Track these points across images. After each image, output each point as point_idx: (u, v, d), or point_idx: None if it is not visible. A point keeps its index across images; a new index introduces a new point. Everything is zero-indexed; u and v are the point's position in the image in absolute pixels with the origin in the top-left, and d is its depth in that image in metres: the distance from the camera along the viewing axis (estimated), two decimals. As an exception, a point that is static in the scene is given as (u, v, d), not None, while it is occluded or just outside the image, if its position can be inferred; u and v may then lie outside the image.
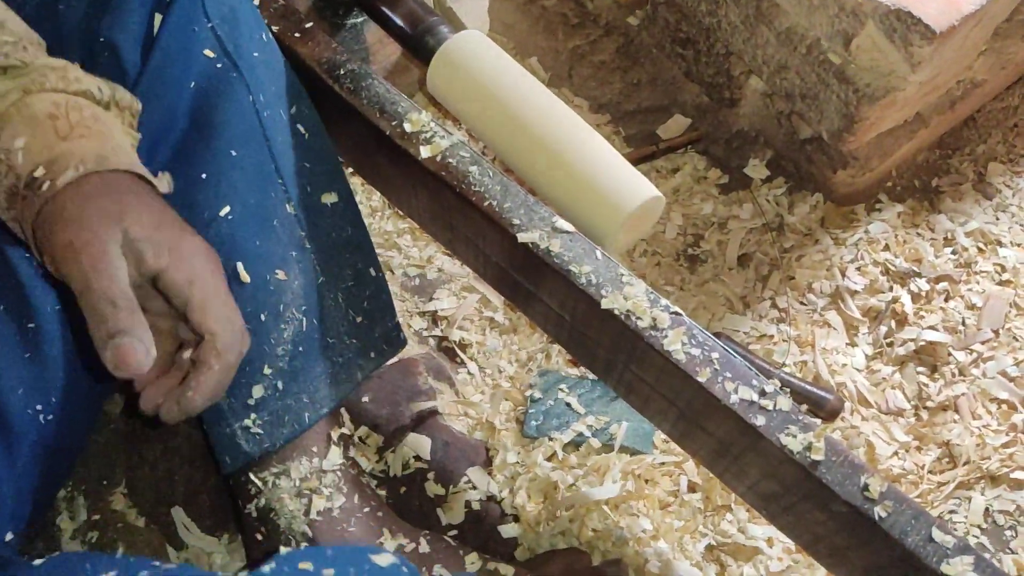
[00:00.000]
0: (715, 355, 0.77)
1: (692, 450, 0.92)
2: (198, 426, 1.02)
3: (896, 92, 1.04)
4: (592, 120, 1.42)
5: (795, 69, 1.13)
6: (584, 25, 1.47)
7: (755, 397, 0.77)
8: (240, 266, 0.84)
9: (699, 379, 0.77)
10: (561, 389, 1.17)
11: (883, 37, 0.98)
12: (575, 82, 1.45)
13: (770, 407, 0.75)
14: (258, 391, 0.87)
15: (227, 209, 0.84)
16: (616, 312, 0.80)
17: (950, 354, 1.19)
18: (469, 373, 1.20)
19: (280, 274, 0.86)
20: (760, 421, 0.75)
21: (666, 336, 0.79)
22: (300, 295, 0.89)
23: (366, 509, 0.92)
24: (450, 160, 0.86)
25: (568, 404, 1.15)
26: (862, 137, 1.13)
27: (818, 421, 1.16)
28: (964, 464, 1.13)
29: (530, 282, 0.90)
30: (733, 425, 0.77)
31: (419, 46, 1.00)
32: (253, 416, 0.88)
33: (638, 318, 0.79)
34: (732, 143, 1.37)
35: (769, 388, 0.77)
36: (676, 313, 0.80)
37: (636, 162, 1.37)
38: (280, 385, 0.88)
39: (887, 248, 1.26)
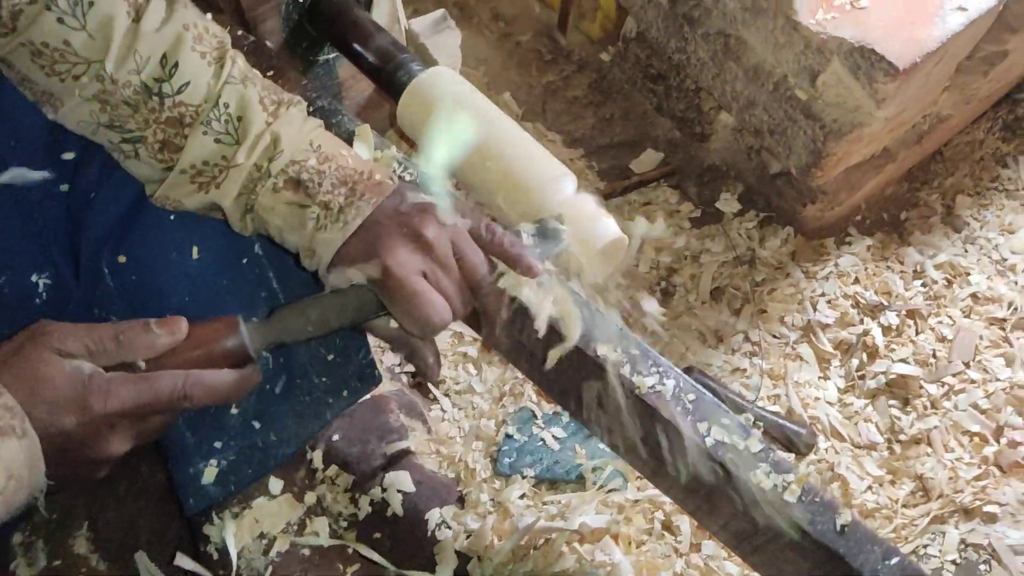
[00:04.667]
0: (688, 396, 0.77)
1: (664, 488, 0.91)
2: (163, 465, 1.00)
3: (862, 128, 1.06)
4: (566, 154, 1.42)
5: (763, 105, 1.15)
6: (557, 61, 1.48)
7: (726, 437, 0.76)
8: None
9: (668, 418, 0.76)
10: (536, 425, 1.16)
11: (848, 74, 1.00)
12: (548, 117, 1.46)
13: (741, 447, 0.75)
14: (224, 431, 0.85)
15: (196, 250, 0.83)
16: (586, 352, 0.79)
17: (921, 387, 1.20)
18: (442, 409, 1.19)
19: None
20: (731, 461, 0.75)
21: (636, 375, 0.78)
22: (267, 332, 0.88)
23: (328, 549, 0.90)
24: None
25: (542, 440, 1.14)
26: (829, 172, 1.15)
27: (791, 458, 1.16)
28: (938, 498, 1.13)
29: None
30: (704, 464, 0.77)
31: (390, 82, 1.00)
32: (219, 457, 0.86)
33: (607, 357, 0.79)
34: (704, 177, 1.38)
35: (741, 427, 0.76)
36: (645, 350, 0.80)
37: (609, 196, 1.38)
38: (246, 425, 0.86)
39: (857, 281, 1.27)
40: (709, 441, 0.75)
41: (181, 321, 0.67)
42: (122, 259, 0.82)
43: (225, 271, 0.85)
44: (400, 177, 0.87)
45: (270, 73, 0.94)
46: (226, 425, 0.86)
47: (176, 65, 0.70)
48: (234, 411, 0.86)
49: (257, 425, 0.87)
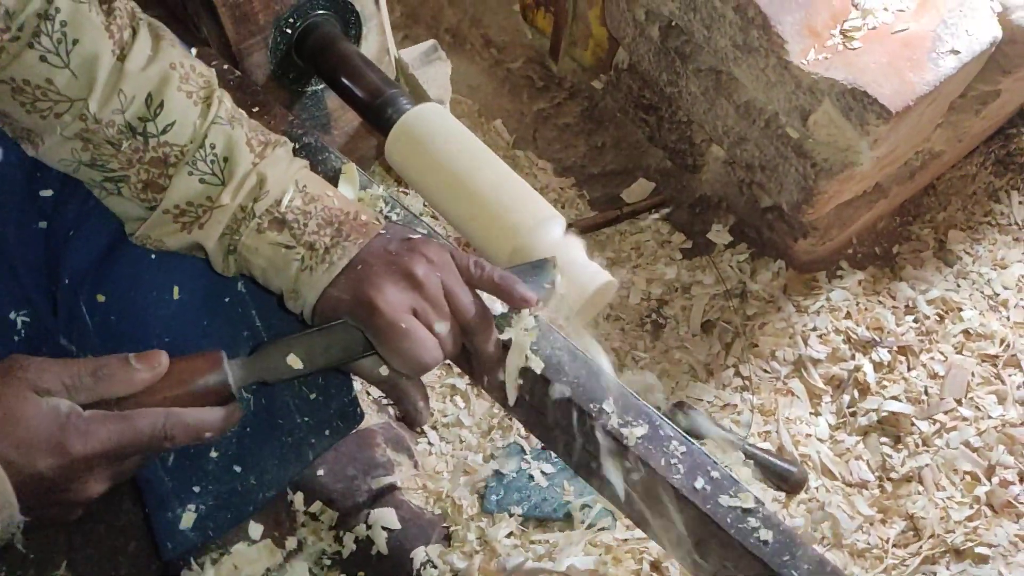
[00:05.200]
0: (678, 448, 0.76)
1: (649, 531, 0.90)
2: (141, 508, 0.98)
3: (853, 167, 1.05)
4: (556, 183, 1.41)
5: (754, 141, 1.14)
6: (549, 88, 1.48)
7: (708, 488, 0.75)
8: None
9: (660, 471, 0.75)
10: (524, 460, 1.15)
11: (840, 115, 0.99)
12: (539, 144, 1.45)
13: (735, 503, 0.73)
14: (203, 475, 0.84)
15: (176, 289, 0.81)
16: (572, 401, 0.78)
17: (913, 424, 1.19)
18: (429, 443, 1.18)
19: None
20: (722, 513, 0.73)
21: (626, 426, 0.77)
22: (249, 373, 0.86)
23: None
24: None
25: (531, 476, 1.13)
26: (821, 209, 1.14)
27: (782, 497, 1.14)
28: (929, 538, 1.12)
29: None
30: (694, 515, 0.75)
31: (378, 117, 0.99)
32: (197, 501, 0.84)
33: (597, 408, 0.78)
34: (695, 208, 1.38)
35: (732, 480, 0.75)
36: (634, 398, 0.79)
37: (600, 226, 1.37)
38: (226, 469, 0.85)
39: (849, 316, 1.26)
40: (701, 495, 0.74)
41: (161, 355, 0.65)
42: (101, 298, 0.80)
43: (206, 311, 0.83)
44: (387, 217, 0.86)
45: (255, 109, 0.93)
46: (205, 469, 0.84)
47: (161, 105, 0.68)
48: (214, 454, 0.84)
49: (238, 469, 0.85)
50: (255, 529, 0.89)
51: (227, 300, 0.85)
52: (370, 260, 0.70)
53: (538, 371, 0.78)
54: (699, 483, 0.75)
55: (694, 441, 0.77)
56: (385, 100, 0.97)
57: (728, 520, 0.73)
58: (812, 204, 1.11)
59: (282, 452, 0.89)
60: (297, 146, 0.90)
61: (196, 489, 0.84)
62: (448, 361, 1.23)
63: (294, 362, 0.70)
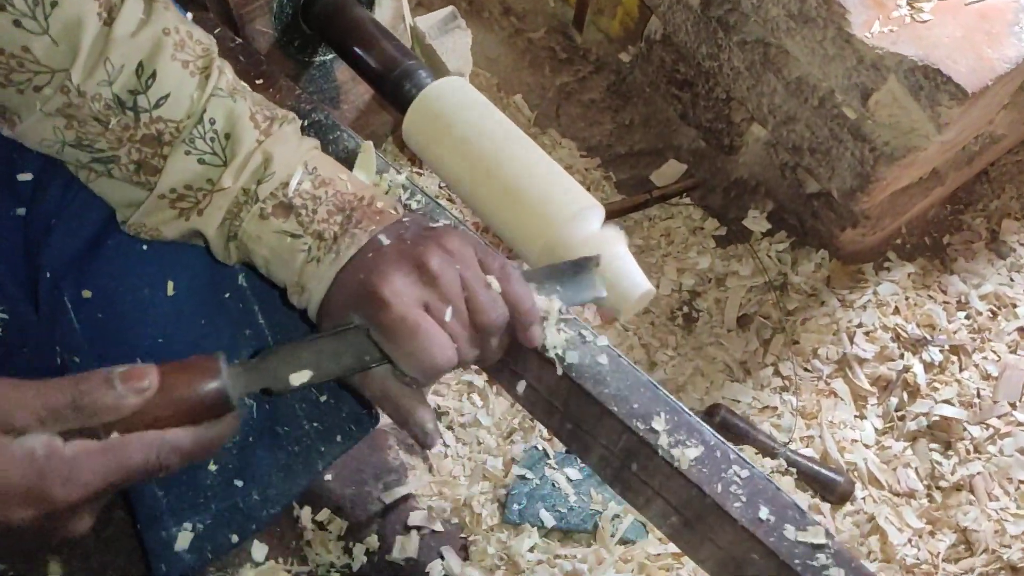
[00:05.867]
0: (739, 472, 0.67)
1: (692, 555, 0.82)
2: (132, 524, 0.90)
3: (917, 152, 0.96)
4: (580, 164, 1.32)
5: (804, 121, 1.04)
6: (573, 61, 1.37)
7: (773, 519, 0.66)
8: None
9: (716, 499, 0.66)
10: (548, 465, 1.06)
11: (907, 94, 0.90)
12: (563, 122, 1.35)
13: (804, 537, 0.65)
14: (200, 491, 0.75)
15: (171, 285, 0.73)
16: (615, 415, 0.69)
17: (964, 429, 1.11)
18: (445, 445, 1.09)
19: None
20: (788, 548, 0.65)
21: (677, 446, 0.68)
22: (253, 377, 0.77)
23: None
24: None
25: (555, 483, 1.05)
26: (876, 197, 1.04)
27: (827, 508, 1.06)
28: (982, 552, 1.04)
29: (515, 363, 0.79)
30: (756, 549, 0.67)
31: (395, 92, 0.89)
32: (194, 520, 0.76)
33: (645, 427, 0.69)
34: (730, 192, 1.28)
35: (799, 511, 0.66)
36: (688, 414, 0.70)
37: (627, 211, 1.27)
38: (227, 484, 0.76)
39: (897, 311, 1.17)
40: (764, 527, 0.65)
41: (150, 372, 0.55)
42: (87, 294, 0.73)
43: (204, 308, 0.75)
44: (406, 206, 0.76)
45: (258, 81, 0.83)
46: (203, 484, 0.75)
47: (154, 75, 0.61)
48: (212, 468, 0.76)
49: (239, 483, 0.77)
50: (259, 550, 0.81)
51: (227, 296, 0.77)
52: (381, 249, 0.61)
53: (574, 376, 0.70)
54: (763, 513, 0.66)
55: (755, 465, 0.69)
56: (403, 72, 0.87)
57: (795, 557, 0.65)
58: (868, 191, 1.01)
59: (288, 463, 0.81)
60: (305, 123, 0.81)
61: (192, 506, 0.75)
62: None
63: (302, 371, 0.60)
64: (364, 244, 0.61)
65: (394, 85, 0.88)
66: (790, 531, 0.66)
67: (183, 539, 0.76)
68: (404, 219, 0.64)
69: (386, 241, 0.61)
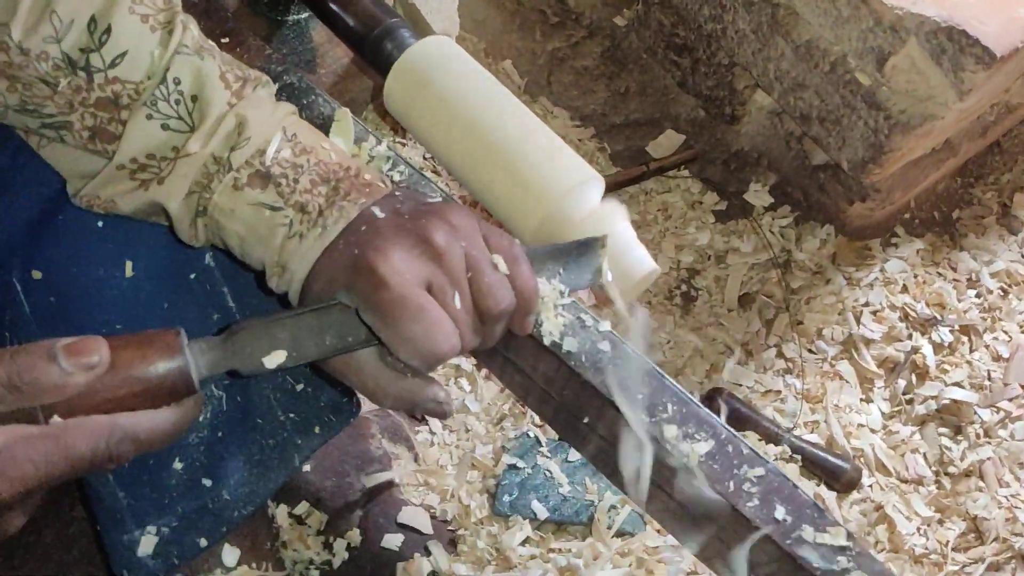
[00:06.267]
0: (752, 470, 0.62)
1: (692, 548, 0.77)
2: (92, 525, 0.84)
3: (934, 120, 0.90)
4: (574, 134, 1.25)
5: (814, 88, 0.98)
6: (565, 25, 1.30)
7: (790, 519, 0.61)
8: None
9: (729, 498, 0.61)
10: (540, 453, 1.01)
11: (927, 58, 0.84)
12: (554, 90, 1.28)
13: (823, 539, 0.60)
14: (165, 491, 0.69)
15: (130, 265, 0.66)
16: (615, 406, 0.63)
17: (975, 412, 1.06)
18: (431, 433, 1.04)
19: None
20: (807, 551, 0.60)
21: (685, 440, 0.63)
22: (221, 366, 0.71)
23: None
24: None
25: (548, 472, 0.99)
26: (889, 168, 0.99)
27: (832, 496, 1.02)
28: (992, 541, 1.00)
29: (508, 349, 0.73)
30: (771, 552, 0.62)
31: (375, 52, 0.82)
32: (158, 522, 0.70)
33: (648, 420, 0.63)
34: (731, 164, 1.22)
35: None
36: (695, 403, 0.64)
37: (624, 184, 1.21)
38: (193, 482, 0.71)
39: (905, 290, 1.12)
40: (781, 528, 0.60)
41: (99, 346, 0.48)
42: (37, 275, 0.66)
43: (166, 290, 0.69)
44: (388, 177, 0.70)
45: (225, 40, 0.76)
46: (167, 484, 0.70)
47: (108, 30, 0.54)
48: (178, 465, 0.70)
49: (207, 483, 0.71)
50: (230, 554, 0.76)
51: (192, 276, 0.71)
52: (375, 222, 0.54)
53: (572, 365, 0.64)
54: (779, 513, 0.61)
55: (769, 459, 0.63)
56: (384, 31, 0.80)
57: (815, 560, 0.60)
58: (880, 163, 0.96)
59: (262, 459, 0.75)
60: (277, 87, 0.73)
61: (157, 508, 0.70)
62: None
63: (275, 352, 0.53)
64: (354, 218, 0.54)
65: (374, 45, 0.80)
66: (808, 532, 0.61)
67: (147, 543, 0.70)
68: (396, 192, 0.57)
69: (381, 214, 0.55)
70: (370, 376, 0.56)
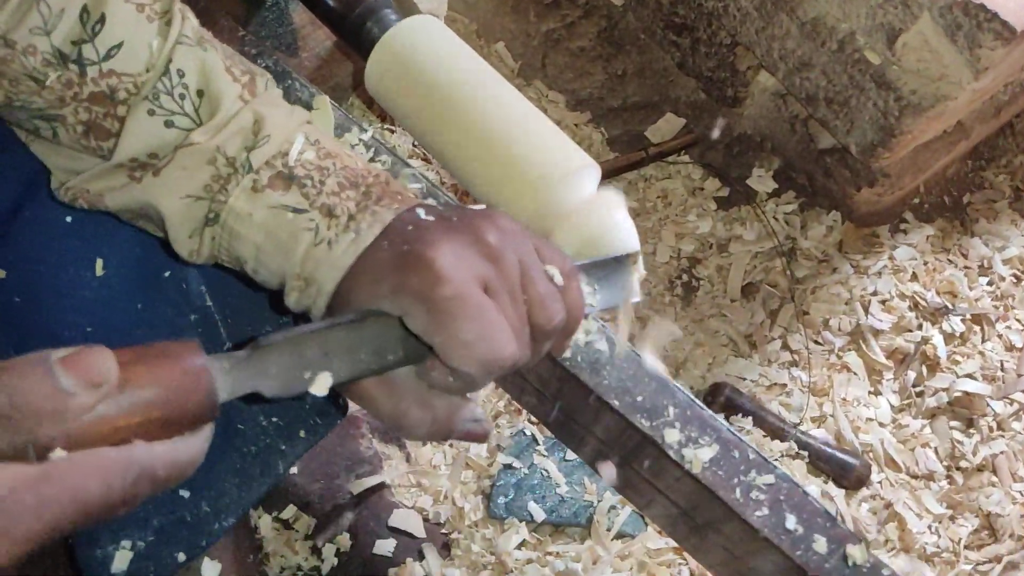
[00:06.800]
0: (761, 477, 0.58)
1: (701, 560, 0.73)
2: (64, 542, 0.80)
3: (947, 101, 0.85)
4: (570, 119, 1.21)
5: (821, 68, 0.93)
6: (560, 4, 1.25)
7: (801, 529, 0.57)
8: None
9: (735, 507, 0.57)
10: (537, 451, 0.97)
11: (941, 35, 0.79)
12: (549, 72, 1.24)
13: (824, 550, 0.56)
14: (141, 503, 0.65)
15: (100, 263, 0.62)
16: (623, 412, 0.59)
17: (987, 405, 1.02)
18: (424, 431, 1.00)
19: None
20: (818, 563, 0.56)
21: (688, 445, 0.59)
22: (198, 370, 0.67)
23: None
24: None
25: (545, 472, 0.95)
26: (899, 152, 0.94)
27: (841, 494, 0.98)
28: (1007, 538, 0.97)
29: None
30: (781, 564, 0.58)
31: (357, 33, 0.78)
32: (134, 537, 0.66)
33: (651, 423, 0.59)
34: (733, 149, 1.17)
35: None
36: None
37: (621, 170, 1.16)
38: (171, 495, 0.67)
39: (915, 278, 1.08)
40: (790, 538, 0.56)
41: (105, 358, 0.39)
42: (1, 274, 0.62)
43: (140, 290, 0.65)
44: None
45: (196, 20, 0.71)
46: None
47: (102, 20, 0.50)
48: (153, 476, 0.65)
49: (185, 494, 0.67)
50: (210, 568, 0.72)
51: (167, 275, 0.67)
52: (421, 222, 0.49)
53: (567, 365, 0.60)
54: (789, 522, 0.57)
55: (779, 465, 0.60)
56: (365, 10, 0.76)
57: (826, 573, 0.56)
58: (890, 146, 0.91)
59: (243, 467, 0.71)
60: (251, 71, 0.69)
61: (132, 521, 0.66)
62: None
63: (321, 374, 0.44)
64: (391, 221, 0.48)
65: (355, 26, 0.76)
66: (821, 543, 0.57)
67: (121, 559, 0.66)
68: (428, 200, 0.52)
69: (425, 216, 0.49)
70: (403, 399, 0.49)
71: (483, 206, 0.52)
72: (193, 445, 0.41)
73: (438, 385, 0.48)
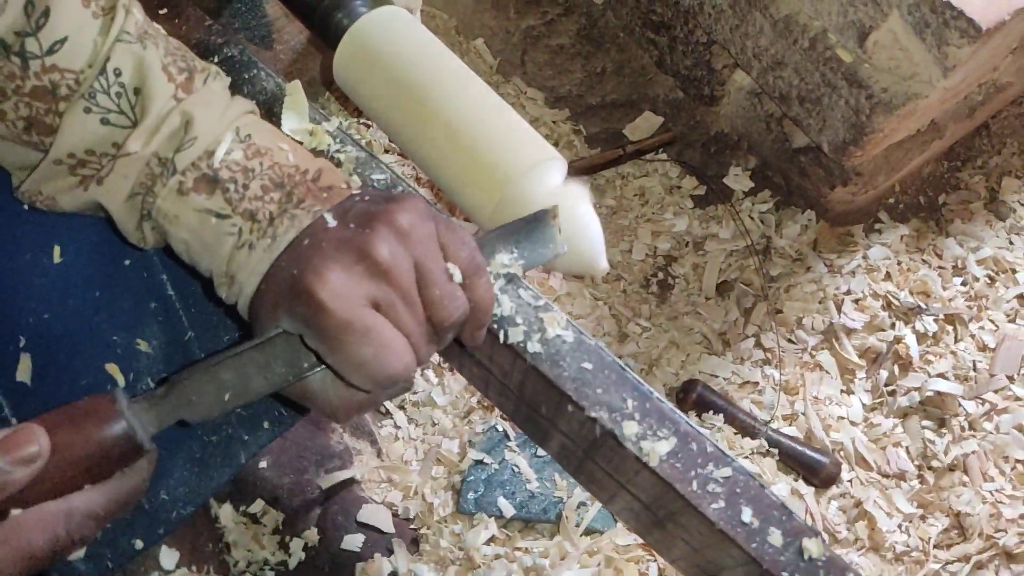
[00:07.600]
0: (718, 470, 0.58)
1: (664, 554, 0.73)
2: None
3: (918, 100, 0.86)
4: (548, 116, 1.20)
5: (793, 66, 0.93)
6: (540, 2, 1.25)
7: (756, 522, 0.57)
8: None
9: (692, 499, 0.57)
10: (508, 447, 0.97)
11: (910, 33, 0.79)
12: (528, 69, 1.23)
13: (780, 543, 0.56)
14: (96, 492, 0.65)
15: (58, 250, 0.62)
16: (574, 401, 0.59)
17: (959, 405, 1.02)
18: (396, 426, 0.99)
19: (134, 339, 0.64)
20: (772, 555, 0.56)
21: (646, 438, 0.59)
22: (159, 359, 0.67)
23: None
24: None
25: (515, 468, 0.95)
26: (871, 151, 0.94)
27: (811, 492, 0.98)
28: (976, 537, 0.97)
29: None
30: (726, 548, 0.58)
31: (325, 24, 0.77)
32: (90, 525, 0.65)
33: (609, 415, 0.59)
34: (710, 147, 1.17)
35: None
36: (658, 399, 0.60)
37: (600, 167, 1.16)
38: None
39: (888, 278, 1.08)
40: (746, 531, 0.56)
41: (35, 435, 0.45)
42: None
43: (99, 276, 0.64)
44: (336, 160, 0.65)
45: (162, 11, 0.71)
46: (99, 485, 0.65)
47: (47, 14, 0.50)
48: (111, 465, 0.65)
49: (143, 483, 0.66)
50: (169, 556, 0.71)
51: (127, 263, 0.66)
52: (318, 236, 0.50)
53: (528, 359, 0.60)
54: (745, 515, 0.57)
55: (735, 457, 0.59)
56: (335, 1, 0.75)
57: (781, 566, 0.56)
58: (862, 145, 0.91)
59: (203, 457, 0.70)
60: (215, 60, 0.69)
61: (87, 510, 0.65)
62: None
63: (222, 396, 0.49)
64: (304, 228, 0.50)
65: (324, 17, 0.75)
66: (776, 536, 0.57)
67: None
68: (355, 194, 0.53)
69: (332, 222, 0.50)
70: (332, 395, 0.52)
71: (402, 192, 0.53)
72: (130, 479, 0.47)
73: (349, 386, 0.51)
